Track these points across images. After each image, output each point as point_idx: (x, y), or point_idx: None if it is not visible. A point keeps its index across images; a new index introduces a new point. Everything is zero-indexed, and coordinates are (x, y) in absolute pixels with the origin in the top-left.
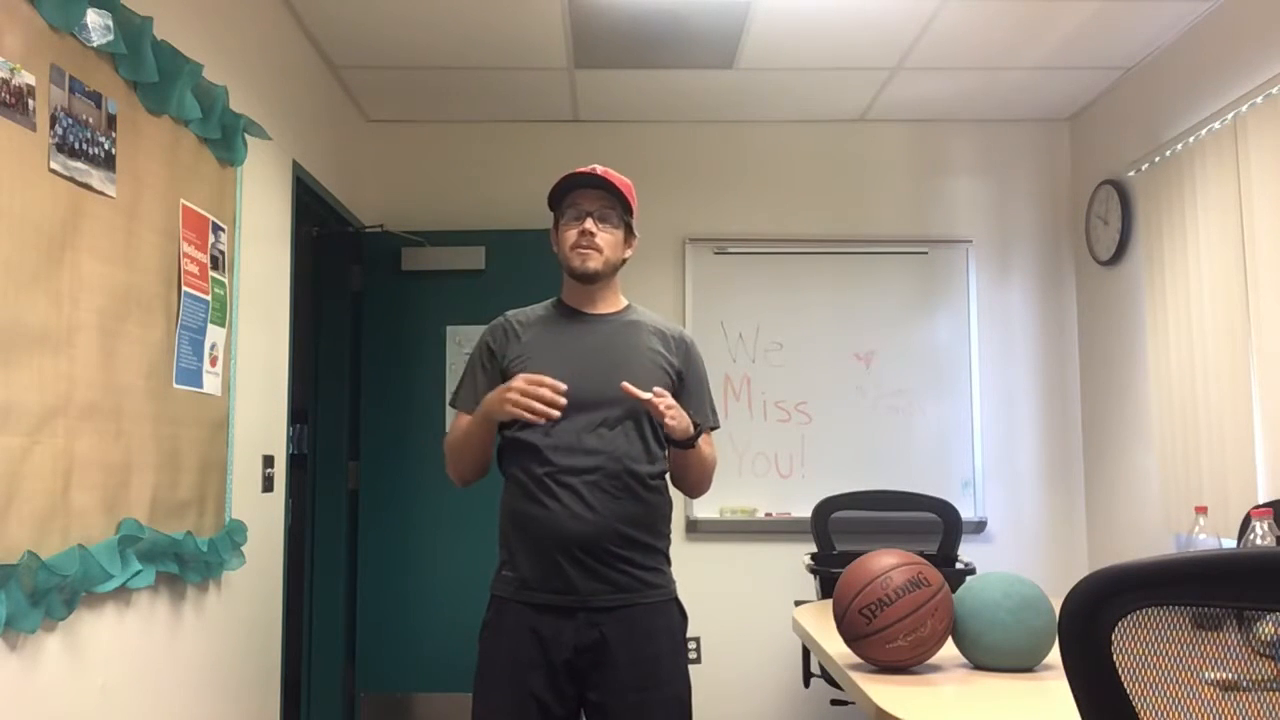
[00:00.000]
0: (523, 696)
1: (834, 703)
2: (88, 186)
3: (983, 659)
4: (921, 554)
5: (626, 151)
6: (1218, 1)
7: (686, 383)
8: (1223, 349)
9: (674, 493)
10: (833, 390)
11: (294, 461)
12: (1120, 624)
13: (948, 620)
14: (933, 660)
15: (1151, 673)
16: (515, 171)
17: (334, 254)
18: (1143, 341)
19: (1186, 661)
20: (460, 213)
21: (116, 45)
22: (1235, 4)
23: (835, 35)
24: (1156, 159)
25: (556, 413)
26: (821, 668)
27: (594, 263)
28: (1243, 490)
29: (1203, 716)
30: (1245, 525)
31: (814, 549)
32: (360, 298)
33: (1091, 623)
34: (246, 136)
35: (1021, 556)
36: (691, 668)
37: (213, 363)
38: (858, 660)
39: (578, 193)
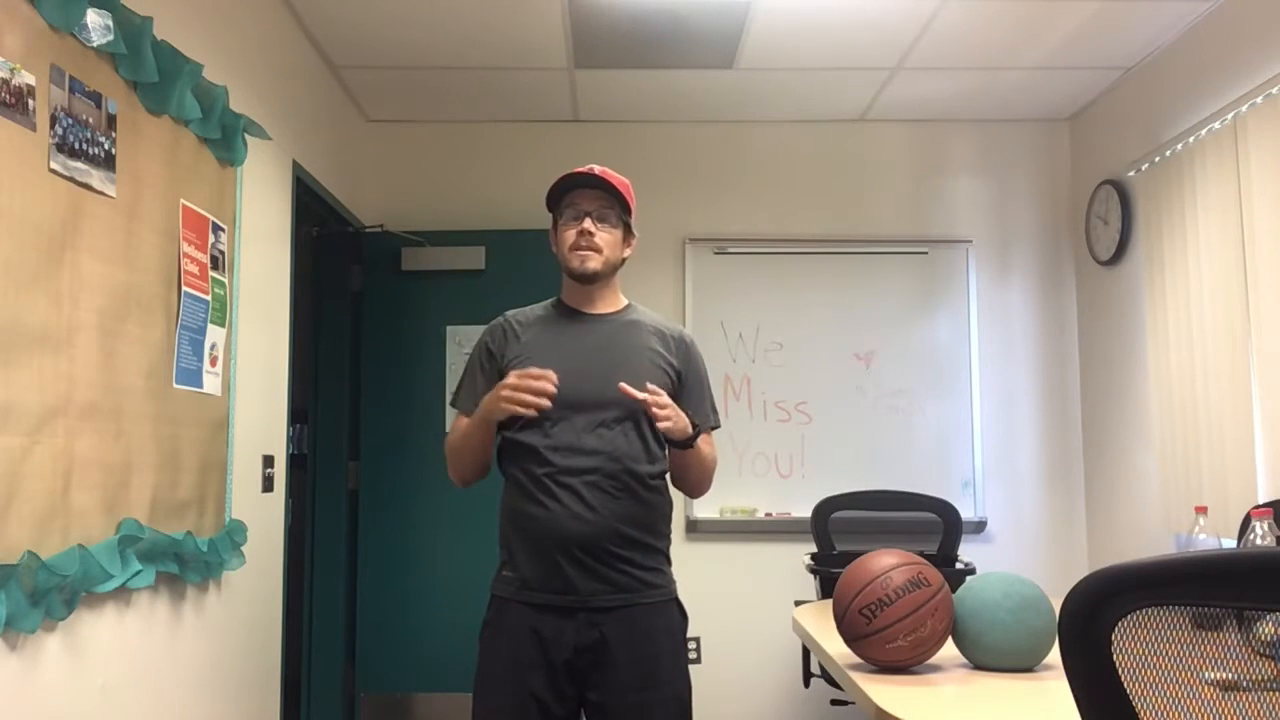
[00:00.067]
0: (523, 696)
1: (834, 703)
2: (88, 186)
3: (983, 659)
4: (921, 554)
5: (626, 151)
6: (1218, 1)
7: (686, 382)
8: (1223, 349)
9: (674, 493)
10: (833, 390)
11: (294, 461)
12: (1120, 624)
13: (948, 620)
14: (933, 660)
15: (1151, 673)
16: (515, 171)
17: (334, 254)
18: (1143, 341)
19: (1186, 661)
20: (460, 213)
21: (116, 45)
22: (1235, 4)
23: (835, 35)
24: (1156, 159)
25: (547, 403)
26: (821, 668)
27: (593, 263)
28: (1243, 490)
29: (1203, 716)
30: (1245, 525)
31: (814, 549)
32: (360, 298)
33: (1091, 623)
34: (246, 136)
35: (1021, 556)
36: (691, 668)
37: (213, 363)
38: (858, 660)
39: (576, 193)
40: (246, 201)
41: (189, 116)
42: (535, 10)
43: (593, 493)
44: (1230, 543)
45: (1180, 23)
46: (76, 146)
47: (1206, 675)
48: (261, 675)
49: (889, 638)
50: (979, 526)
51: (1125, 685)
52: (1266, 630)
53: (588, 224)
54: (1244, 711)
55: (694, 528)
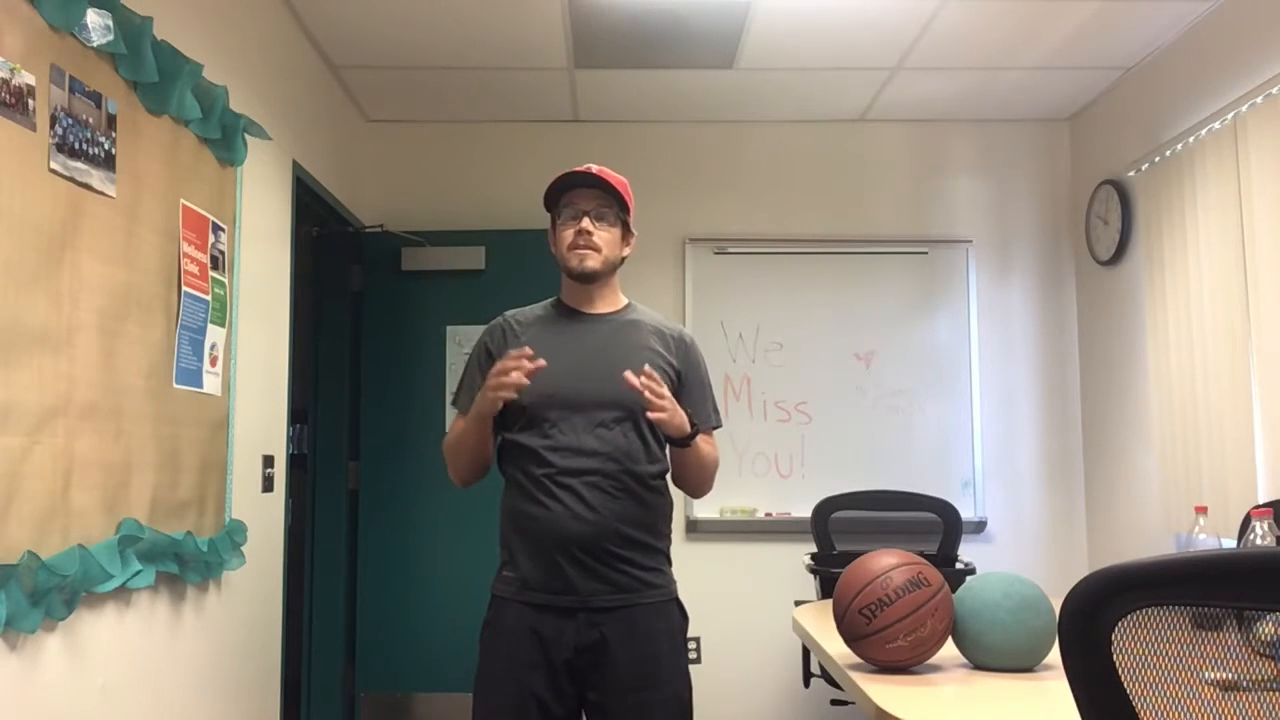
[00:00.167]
0: (523, 696)
1: (834, 703)
2: (88, 186)
3: (983, 659)
4: (921, 554)
5: (626, 151)
6: (1218, 1)
7: (686, 382)
8: (1223, 349)
9: (674, 492)
10: (833, 390)
11: (294, 461)
12: (1120, 624)
13: (948, 620)
14: (933, 660)
15: (1151, 673)
16: (515, 171)
17: (334, 254)
18: (1143, 341)
19: (1186, 661)
20: (460, 213)
21: (116, 45)
22: (1235, 4)
23: (835, 35)
24: (1156, 159)
25: (525, 380)
26: (821, 668)
27: (592, 262)
28: (1243, 490)
29: (1203, 716)
30: (1245, 525)
31: (814, 549)
32: (360, 298)
33: (1091, 623)
34: (246, 136)
35: (1021, 556)
36: (691, 668)
37: (213, 363)
38: (858, 660)
39: (574, 192)
40: (246, 201)
41: (189, 116)
42: (535, 10)
43: (593, 493)
44: (1230, 543)
45: (1180, 23)
46: (76, 146)
47: (1206, 675)
48: (261, 675)
49: (889, 638)
50: (979, 526)
51: (1125, 685)
52: (1266, 630)
53: (586, 223)
54: (1244, 711)
55: (694, 528)
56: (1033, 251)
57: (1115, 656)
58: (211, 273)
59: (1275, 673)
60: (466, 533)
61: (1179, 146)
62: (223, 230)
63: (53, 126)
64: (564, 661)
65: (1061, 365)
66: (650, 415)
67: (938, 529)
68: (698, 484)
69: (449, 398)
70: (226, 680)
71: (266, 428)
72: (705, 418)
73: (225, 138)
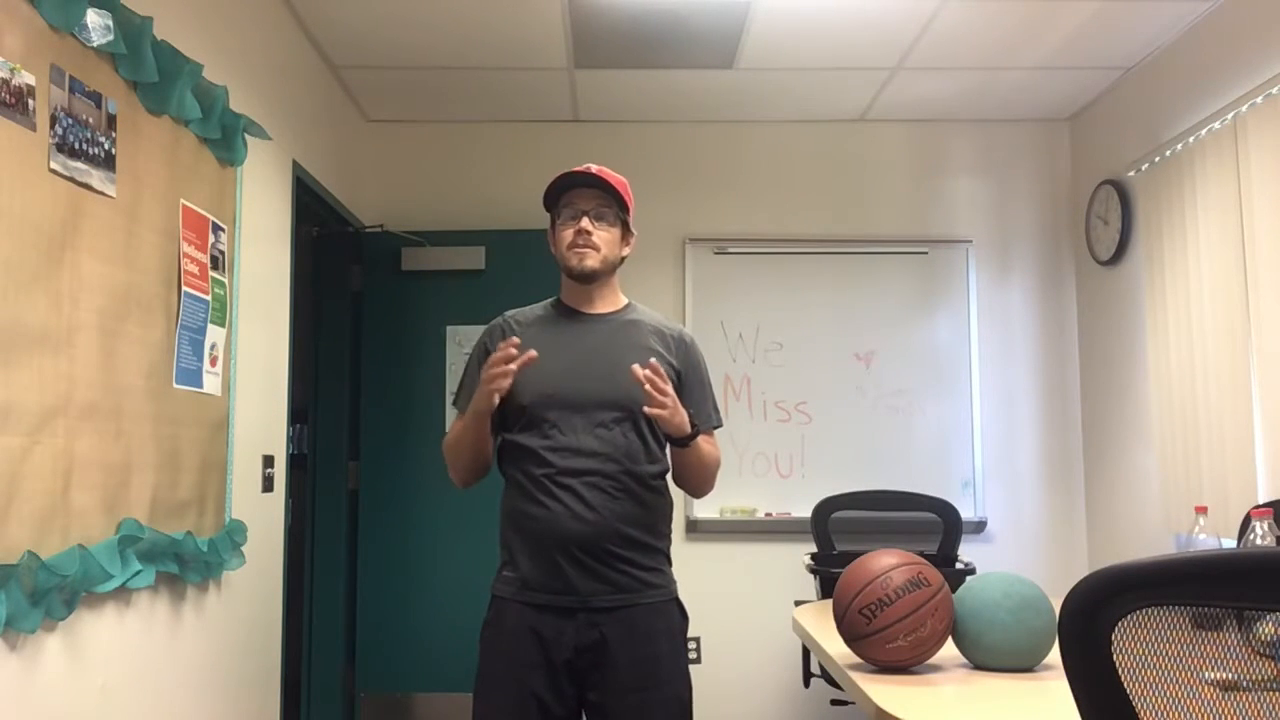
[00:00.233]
0: (523, 696)
1: (834, 703)
2: (88, 186)
3: (983, 659)
4: (921, 554)
5: (626, 151)
6: (1218, 1)
7: (686, 382)
8: (1223, 349)
9: (675, 492)
10: (833, 390)
11: (294, 461)
12: (1120, 624)
13: (948, 620)
14: (933, 660)
15: (1151, 673)
16: (515, 171)
17: (334, 254)
18: (1143, 341)
19: (1186, 661)
20: (460, 213)
21: (116, 45)
22: (1235, 4)
23: (835, 35)
24: (1156, 159)
25: (511, 368)
26: (821, 668)
27: (591, 261)
28: (1243, 490)
29: (1203, 716)
30: (1245, 525)
31: (814, 549)
32: (360, 298)
33: (1091, 623)
34: (246, 136)
35: (1021, 556)
36: (691, 668)
37: (213, 363)
38: (858, 660)
39: (573, 192)
40: (246, 201)
41: (189, 116)
42: (535, 10)
43: (592, 493)
44: (1230, 543)
45: (1180, 23)
46: (76, 146)
47: (1206, 675)
48: (261, 675)
49: (889, 638)
50: (979, 526)
51: (1125, 685)
52: (1266, 630)
53: (585, 223)
54: (1244, 711)
55: (694, 528)
56: (1033, 251)
57: (1115, 656)
58: (211, 273)
59: (1275, 673)
60: (466, 533)
61: (1179, 146)
62: (223, 230)
63: (53, 126)
64: (564, 661)
65: (1061, 365)
66: (649, 411)
67: (938, 529)
68: (698, 484)
69: (449, 398)
70: (226, 680)
71: (266, 428)
72: (706, 417)
73: (225, 138)
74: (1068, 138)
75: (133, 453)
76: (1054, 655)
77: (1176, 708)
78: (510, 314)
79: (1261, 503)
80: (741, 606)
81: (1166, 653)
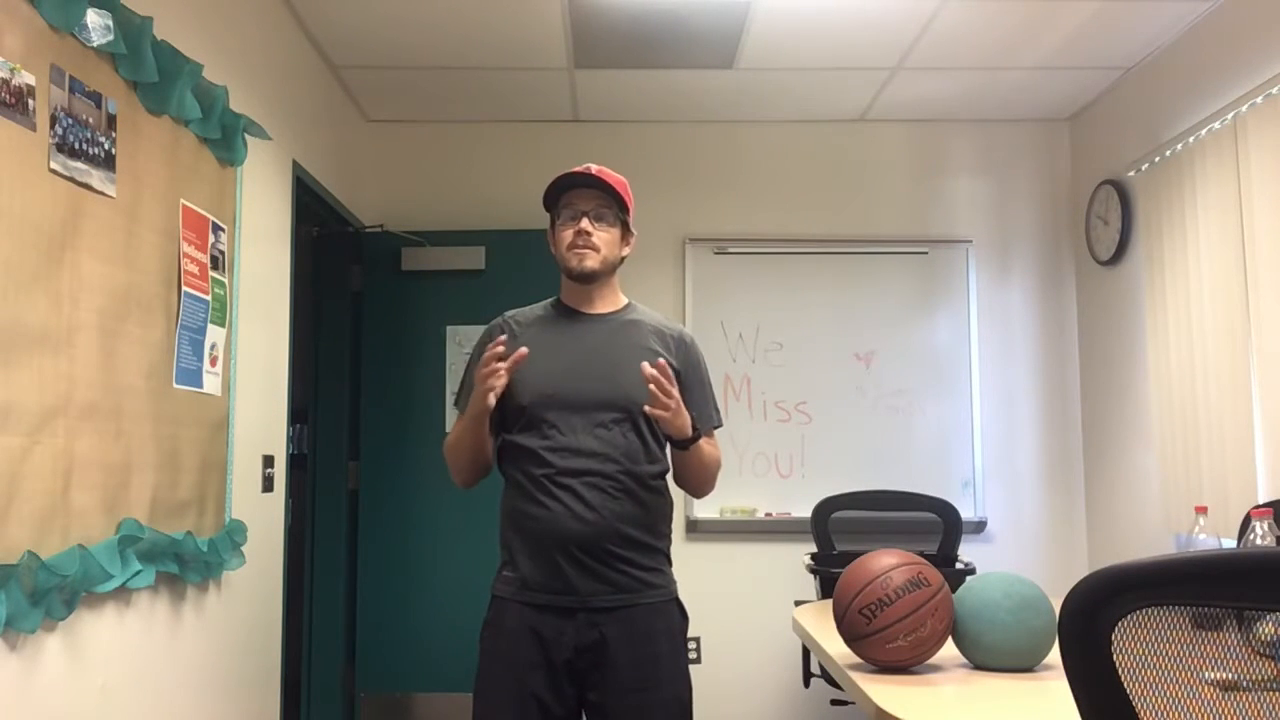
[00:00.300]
0: (523, 696)
1: (834, 703)
2: (88, 186)
3: (983, 659)
4: (921, 554)
5: (626, 151)
6: (1218, 1)
7: (687, 382)
8: (1223, 349)
9: (674, 492)
10: (833, 390)
11: (294, 461)
12: (1120, 624)
13: (948, 620)
14: (933, 660)
15: (1151, 673)
16: (515, 171)
17: (334, 254)
18: (1143, 341)
19: (1186, 661)
20: (460, 213)
21: (116, 45)
22: (1235, 4)
23: (835, 35)
24: (1156, 159)
25: (502, 367)
26: (821, 668)
27: (591, 262)
28: (1243, 490)
29: (1203, 716)
30: (1245, 525)
31: (814, 549)
32: (360, 298)
33: (1091, 623)
34: (246, 136)
35: (1021, 556)
36: (691, 668)
37: (213, 363)
38: (858, 660)
39: (573, 193)
40: (246, 201)
41: (189, 116)
42: (535, 10)
43: (592, 493)
44: (1230, 543)
45: (1180, 23)
46: (76, 146)
47: (1206, 675)
48: (261, 675)
49: (889, 638)
50: (979, 526)
51: (1125, 685)
52: (1266, 630)
53: (585, 223)
54: (1244, 711)
55: (694, 528)
56: (1033, 251)
57: (1115, 656)
58: (211, 273)
59: (1275, 673)
60: (466, 533)
61: (1179, 146)
62: (223, 230)
63: (53, 126)
64: (564, 662)
65: (1061, 365)
66: (651, 411)
67: (938, 529)
68: (699, 484)
69: (449, 398)
70: (226, 680)
71: (266, 428)
72: (707, 418)
73: (225, 138)
74: (1068, 138)
75: (133, 453)
76: (1054, 655)
77: (1176, 708)
78: (510, 314)
79: (1261, 503)
80: (741, 606)
81: (1166, 653)
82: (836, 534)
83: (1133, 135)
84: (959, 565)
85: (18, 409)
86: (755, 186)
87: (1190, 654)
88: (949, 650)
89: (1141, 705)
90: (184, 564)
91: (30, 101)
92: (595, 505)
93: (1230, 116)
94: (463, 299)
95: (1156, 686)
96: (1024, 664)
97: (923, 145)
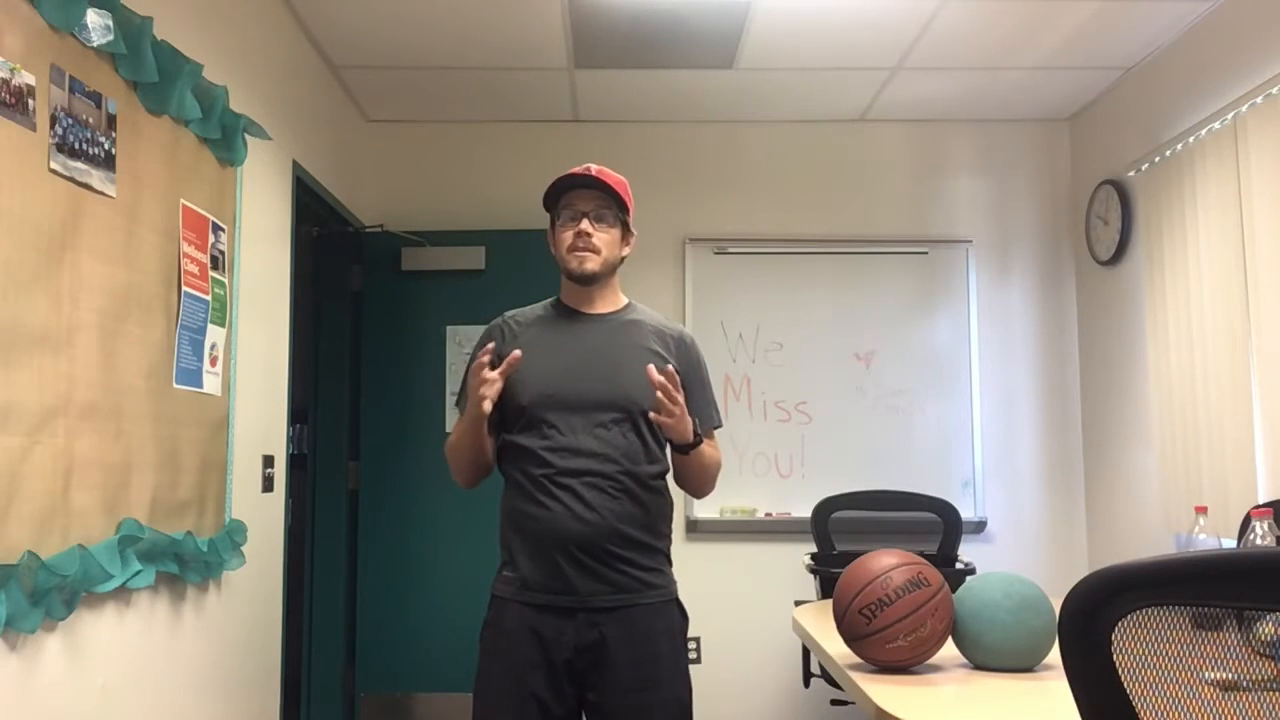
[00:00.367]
0: (523, 696)
1: (834, 703)
2: (88, 186)
3: (983, 659)
4: (921, 554)
5: (626, 151)
6: (1218, 1)
7: (687, 382)
8: (1223, 349)
9: (675, 492)
10: (833, 390)
11: (294, 461)
12: (1120, 624)
13: (948, 620)
14: (933, 660)
15: (1151, 673)
16: (515, 171)
17: (334, 254)
18: (1143, 341)
19: (1186, 661)
20: (460, 213)
21: (116, 45)
22: (1235, 4)
23: (835, 35)
24: (1156, 159)
25: (494, 374)
26: (821, 668)
27: (591, 264)
28: (1243, 490)
29: (1203, 716)
30: (1245, 525)
31: (814, 549)
32: (360, 298)
33: (1091, 623)
34: (246, 136)
35: (1021, 556)
36: (691, 668)
37: (213, 363)
38: (858, 660)
39: (573, 193)
40: (246, 201)
41: (189, 116)
42: (535, 10)
43: (592, 493)
44: (1230, 543)
45: (1180, 23)
46: (76, 146)
47: (1206, 675)
48: (261, 675)
49: (889, 638)
50: (979, 526)
51: (1125, 685)
52: (1266, 630)
53: (585, 225)
54: (1244, 711)
55: (694, 528)
56: (1033, 251)
57: (1115, 656)
58: (211, 273)
59: (1275, 673)
60: (466, 533)
61: (1179, 146)
62: (223, 230)
63: (53, 126)
64: (564, 662)
65: (1061, 365)
66: (655, 417)
67: (938, 529)
68: (699, 485)
69: (449, 398)
70: (226, 680)
71: (266, 428)
72: (708, 418)
73: (225, 138)
74: (1068, 138)
75: (133, 453)
76: (1054, 655)
77: (1176, 708)
78: (510, 314)
79: (1261, 503)
80: (741, 606)
81: (1166, 653)
82: (836, 534)
83: (1133, 135)
84: (959, 565)
85: (18, 409)
86: (755, 186)
87: (1190, 654)
88: (949, 650)
89: (1141, 705)
90: (184, 564)
91: (30, 101)
92: (595, 505)
93: (1230, 116)
94: (463, 299)
95: (1156, 686)
96: (1024, 664)
97: (923, 145)
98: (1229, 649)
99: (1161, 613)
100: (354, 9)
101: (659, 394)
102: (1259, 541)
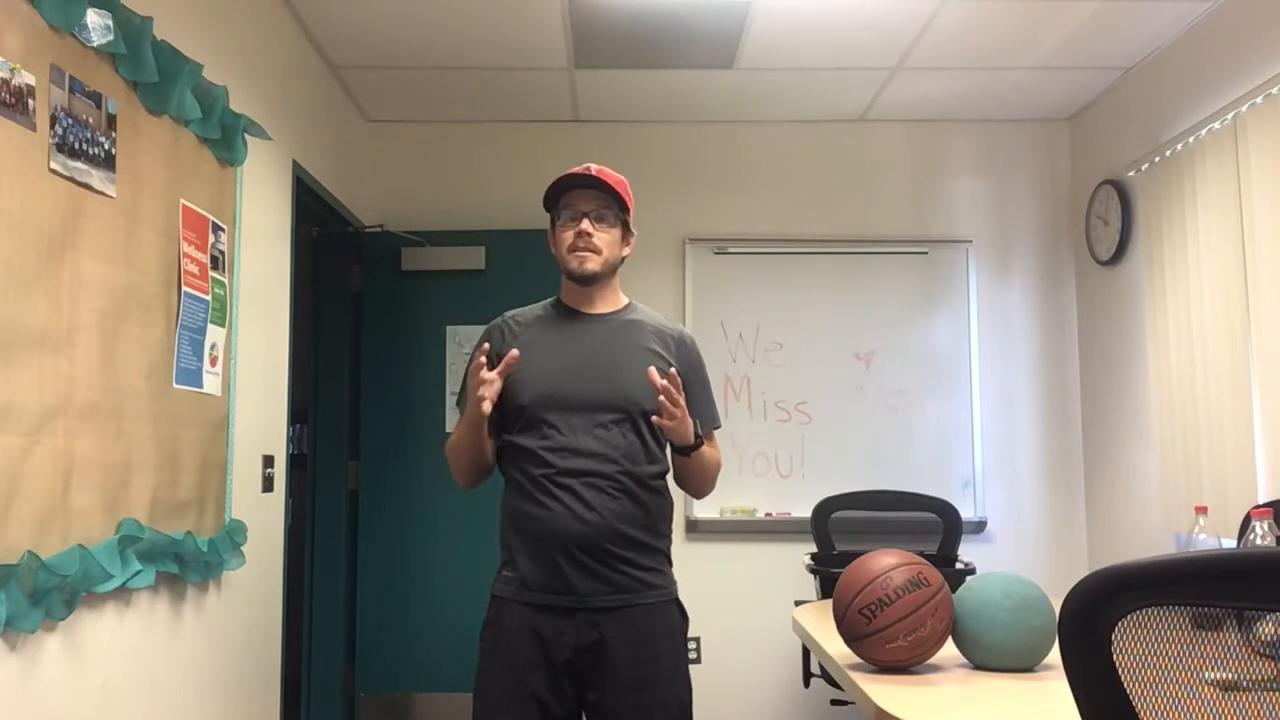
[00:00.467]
0: (523, 696)
1: (834, 703)
2: (88, 186)
3: (983, 659)
4: (921, 554)
5: (626, 151)
6: (1218, 1)
7: (687, 383)
8: (1223, 349)
9: (675, 492)
10: (833, 390)
11: (294, 461)
12: (1120, 624)
13: (948, 620)
14: (933, 660)
15: (1151, 673)
16: (515, 171)
17: (334, 254)
18: (1143, 341)
19: (1186, 661)
20: (460, 213)
21: (116, 45)
22: (1235, 4)
23: (835, 35)
24: (1156, 159)
25: (493, 375)
26: (821, 668)
27: (592, 264)
28: (1243, 490)
29: (1203, 716)
30: (1245, 525)
31: (814, 549)
32: (360, 298)
33: (1091, 623)
34: (246, 136)
35: (1021, 556)
36: (691, 668)
37: (213, 363)
38: (858, 660)
39: (573, 193)
40: (246, 201)
41: (189, 116)
42: (535, 10)
43: (591, 493)
44: (1230, 543)
45: (1180, 23)
46: (76, 146)
47: (1206, 675)
48: (261, 675)
49: (889, 638)
50: (979, 526)
51: (1125, 685)
52: (1266, 630)
53: (585, 225)
54: (1244, 711)
55: (694, 528)
56: (1033, 251)
57: (1115, 656)
58: (211, 273)
59: (1275, 673)
60: (466, 533)
61: (1179, 146)
62: (223, 230)
63: (53, 126)
64: (564, 662)
65: (1061, 365)
66: (657, 420)
67: (938, 529)
68: (699, 486)
69: (449, 398)
70: (226, 680)
71: (266, 428)
72: (709, 418)
73: (225, 138)
74: (1068, 138)
75: (133, 453)
76: (1054, 655)
77: (1176, 708)
78: (510, 314)
79: (1261, 503)
80: (741, 606)
81: (1166, 653)
82: (836, 534)
83: (1133, 135)
84: (959, 565)
85: (18, 409)
86: (755, 186)
87: (1190, 654)
88: (949, 650)
89: (1141, 705)
90: (184, 564)
91: (30, 101)
92: (595, 505)
93: (1230, 116)
94: (463, 299)
95: (1156, 686)
96: (1024, 664)
97: (923, 145)
98: (1229, 649)
99: (1161, 613)
100: (354, 9)
101: (661, 397)
102: (1259, 541)
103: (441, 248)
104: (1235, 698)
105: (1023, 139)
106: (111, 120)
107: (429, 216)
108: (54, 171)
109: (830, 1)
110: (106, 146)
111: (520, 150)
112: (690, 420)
